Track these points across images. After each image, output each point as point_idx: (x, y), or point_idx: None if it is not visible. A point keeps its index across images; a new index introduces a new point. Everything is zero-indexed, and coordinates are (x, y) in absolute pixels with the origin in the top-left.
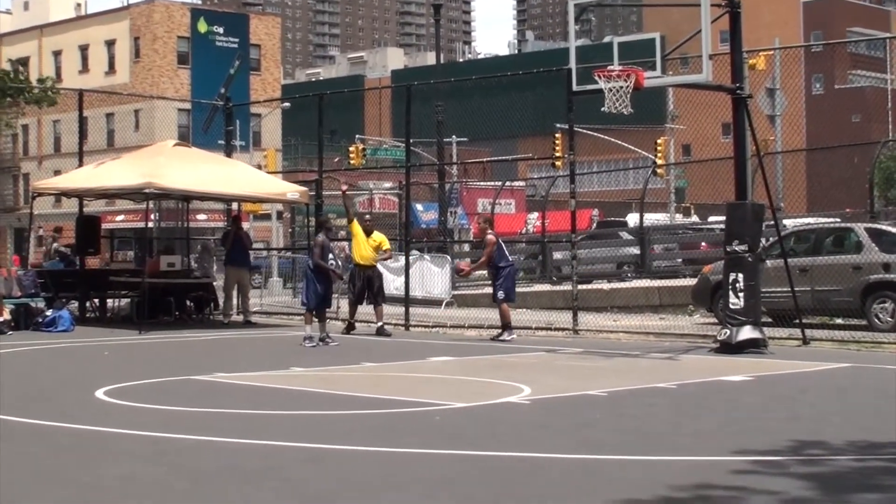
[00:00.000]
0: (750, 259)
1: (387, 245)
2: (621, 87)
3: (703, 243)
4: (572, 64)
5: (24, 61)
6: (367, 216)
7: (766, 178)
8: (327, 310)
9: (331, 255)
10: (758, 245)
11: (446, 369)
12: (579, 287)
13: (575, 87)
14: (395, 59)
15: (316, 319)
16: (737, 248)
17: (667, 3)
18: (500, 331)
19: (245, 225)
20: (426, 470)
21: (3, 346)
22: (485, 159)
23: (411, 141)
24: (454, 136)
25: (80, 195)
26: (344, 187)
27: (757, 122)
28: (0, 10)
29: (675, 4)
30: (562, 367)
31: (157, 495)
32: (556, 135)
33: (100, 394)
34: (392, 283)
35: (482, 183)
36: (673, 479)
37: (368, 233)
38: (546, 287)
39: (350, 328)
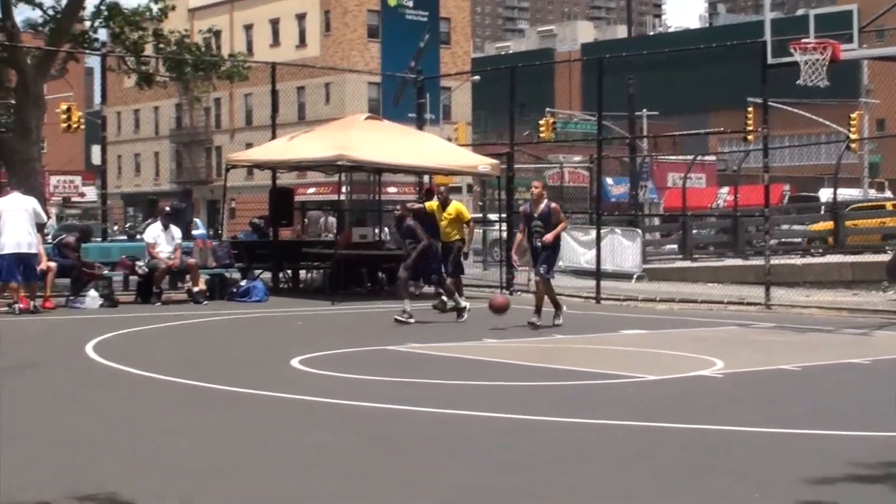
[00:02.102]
0: None
1: (467, 215)
2: (817, 60)
3: None
4: (767, 36)
5: (216, 35)
6: (442, 188)
7: None
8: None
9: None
10: None
11: (638, 342)
12: (771, 262)
13: (770, 60)
14: (585, 32)
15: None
16: None
17: None
18: (554, 311)
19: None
20: (619, 442)
21: (199, 316)
22: (675, 133)
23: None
24: (644, 110)
25: (274, 167)
26: None
27: None
28: None
29: None
30: (754, 342)
31: (349, 463)
32: (748, 109)
33: (295, 363)
34: (583, 257)
35: (672, 157)
36: (864, 456)
37: (445, 205)
38: (738, 262)
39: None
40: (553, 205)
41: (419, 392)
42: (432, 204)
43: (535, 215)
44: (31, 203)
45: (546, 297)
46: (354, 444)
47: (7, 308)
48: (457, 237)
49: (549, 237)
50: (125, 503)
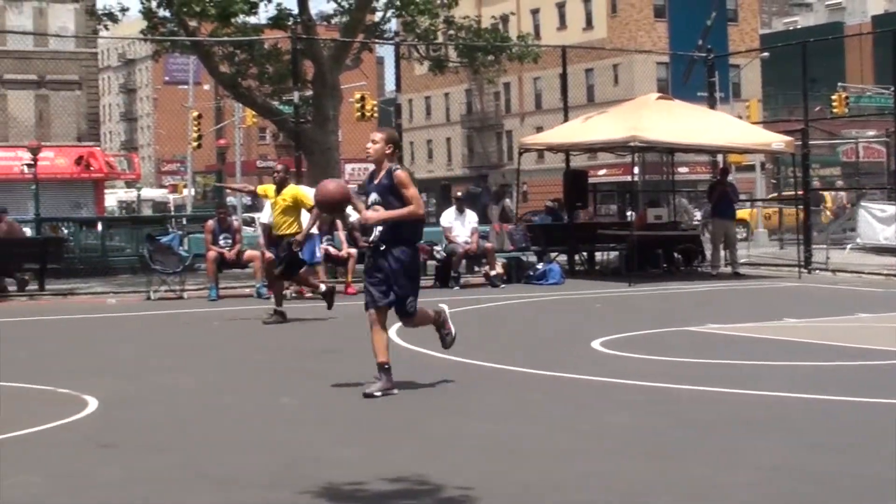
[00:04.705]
0: None
1: (308, 201)
2: None
3: None
4: None
5: (503, 20)
6: (279, 167)
7: None
8: None
9: None
10: None
11: None
12: None
13: None
14: (875, 3)
15: None
16: None
17: None
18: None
19: (728, 177)
20: None
21: (497, 299)
22: None
23: None
24: None
25: (567, 150)
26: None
27: None
28: None
29: None
30: None
31: (656, 444)
32: None
33: (595, 344)
34: (881, 234)
35: None
36: None
37: (281, 187)
38: None
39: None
40: (399, 171)
41: (721, 373)
42: (266, 187)
43: (373, 184)
44: (307, 191)
45: (423, 323)
46: (660, 426)
47: (311, 293)
48: (291, 230)
49: (372, 216)
50: (435, 485)
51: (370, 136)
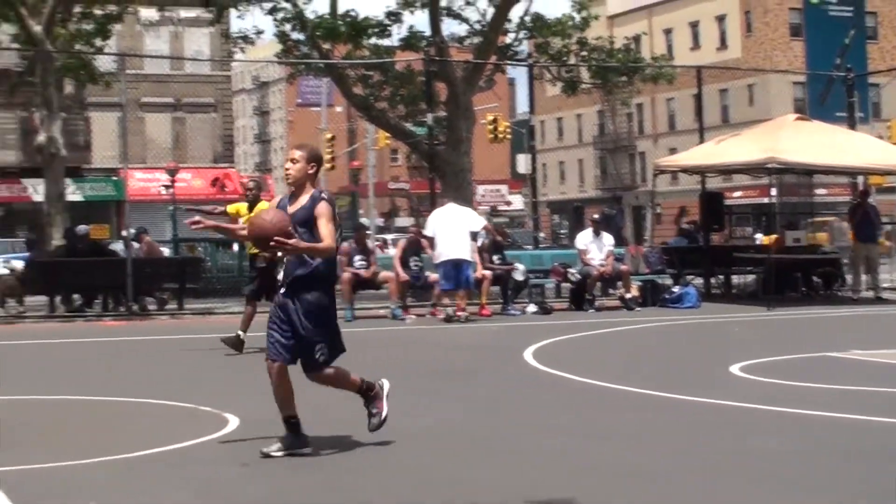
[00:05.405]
0: None
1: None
2: None
3: None
4: None
5: (635, 40)
6: (251, 183)
7: None
8: None
9: None
10: None
11: None
12: None
13: None
14: None
15: None
16: None
17: None
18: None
19: (869, 199)
20: None
21: (633, 322)
22: None
23: None
24: None
25: (702, 171)
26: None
27: None
28: None
29: None
30: None
31: (804, 471)
32: None
33: (735, 369)
34: None
35: None
36: None
37: (254, 205)
38: None
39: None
40: (324, 201)
41: (867, 400)
42: (238, 206)
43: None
44: (464, 212)
45: (340, 384)
46: (807, 453)
47: (445, 316)
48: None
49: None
50: None
51: (289, 154)
